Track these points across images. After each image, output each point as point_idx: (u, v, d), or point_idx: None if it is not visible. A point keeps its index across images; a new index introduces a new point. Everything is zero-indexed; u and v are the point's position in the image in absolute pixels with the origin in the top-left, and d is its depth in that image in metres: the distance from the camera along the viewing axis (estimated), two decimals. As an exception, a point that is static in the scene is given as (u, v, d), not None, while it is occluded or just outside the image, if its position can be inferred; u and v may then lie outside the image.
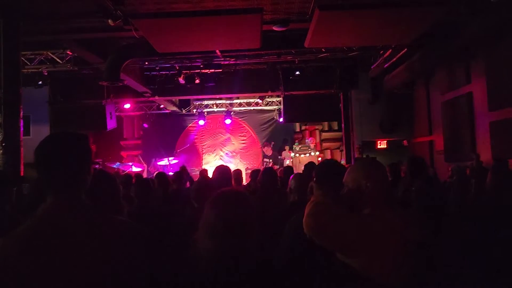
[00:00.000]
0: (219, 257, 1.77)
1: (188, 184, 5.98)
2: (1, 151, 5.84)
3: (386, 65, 9.42)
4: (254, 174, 5.91)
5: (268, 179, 4.21)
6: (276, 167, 11.44)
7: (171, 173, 9.85)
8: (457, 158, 8.63)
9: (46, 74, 9.17)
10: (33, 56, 8.66)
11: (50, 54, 8.63)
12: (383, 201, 2.00)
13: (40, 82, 9.23)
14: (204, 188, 4.04)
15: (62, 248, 1.41)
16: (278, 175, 4.96)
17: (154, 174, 6.56)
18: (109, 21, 5.91)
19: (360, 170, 2.08)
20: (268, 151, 12.24)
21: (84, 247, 1.44)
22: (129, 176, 4.93)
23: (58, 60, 8.70)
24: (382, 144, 11.66)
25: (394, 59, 8.91)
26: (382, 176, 2.09)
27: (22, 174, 5.96)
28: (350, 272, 1.90)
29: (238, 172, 5.05)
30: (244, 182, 6.74)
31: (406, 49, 8.26)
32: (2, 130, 5.87)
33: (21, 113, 6.06)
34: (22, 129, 6.07)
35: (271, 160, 11.92)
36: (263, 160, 12.30)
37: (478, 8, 5.78)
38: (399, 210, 2.11)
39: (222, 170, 4.15)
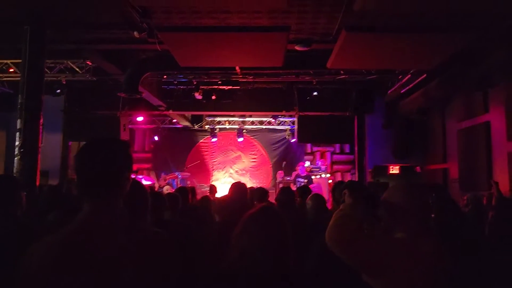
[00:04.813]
0: (260, 270, 1.73)
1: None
2: (18, 157, 5.80)
3: (403, 91, 9.40)
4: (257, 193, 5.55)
5: (285, 198, 4.33)
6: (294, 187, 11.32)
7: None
8: (472, 187, 8.49)
9: (64, 83, 9.21)
10: (53, 65, 8.73)
11: (70, 64, 8.70)
12: (418, 227, 1.93)
13: (59, 91, 9.24)
14: (227, 203, 4.01)
15: (100, 256, 1.37)
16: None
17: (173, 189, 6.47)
18: (135, 33, 5.96)
19: (401, 193, 2.02)
20: (280, 174, 12.22)
21: (123, 255, 1.40)
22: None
23: (77, 69, 8.77)
24: (394, 169, 11.51)
25: (412, 85, 8.89)
26: (422, 202, 2.01)
27: (38, 180, 5.92)
28: None
29: (263, 191, 4.95)
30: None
31: (425, 75, 8.25)
32: (21, 135, 5.84)
33: (41, 119, 6.06)
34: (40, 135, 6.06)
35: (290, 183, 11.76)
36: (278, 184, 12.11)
37: (506, 36, 5.76)
38: (434, 237, 2.03)
39: (239, 188, 4.11)
